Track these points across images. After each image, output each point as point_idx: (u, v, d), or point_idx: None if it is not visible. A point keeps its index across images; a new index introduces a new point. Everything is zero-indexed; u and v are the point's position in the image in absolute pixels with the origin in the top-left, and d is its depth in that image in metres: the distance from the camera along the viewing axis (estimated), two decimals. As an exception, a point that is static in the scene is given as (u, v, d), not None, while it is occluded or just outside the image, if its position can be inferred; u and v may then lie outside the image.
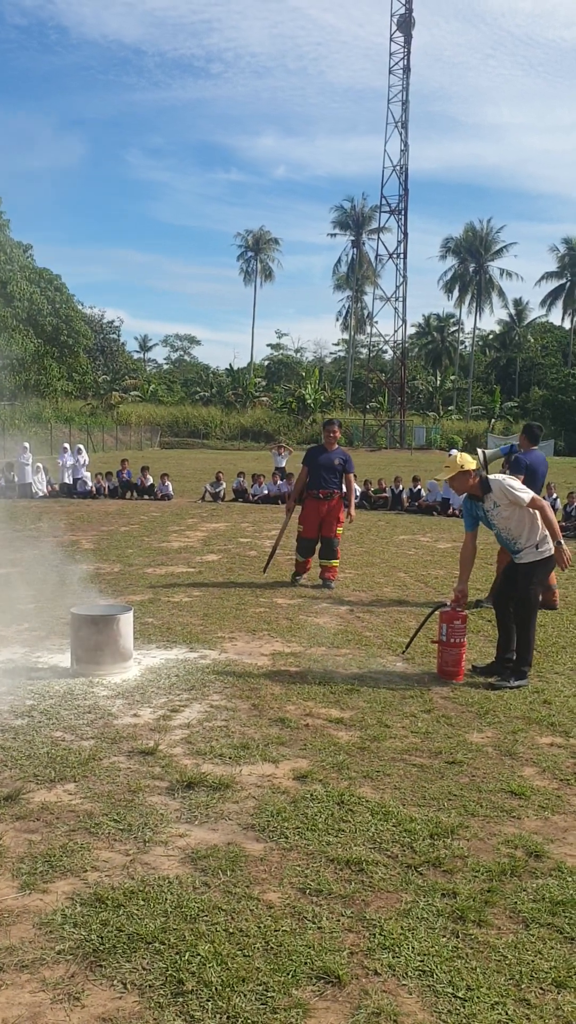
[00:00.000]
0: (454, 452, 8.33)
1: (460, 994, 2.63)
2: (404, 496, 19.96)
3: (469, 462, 6.12)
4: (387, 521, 17.25)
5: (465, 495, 6.21)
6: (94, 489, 21.61)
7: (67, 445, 23.95)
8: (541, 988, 2.68)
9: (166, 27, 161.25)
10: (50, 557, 11.27)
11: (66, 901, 3.09)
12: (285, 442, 38.12)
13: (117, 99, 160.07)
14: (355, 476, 10.24)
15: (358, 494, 20.54)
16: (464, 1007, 2.57)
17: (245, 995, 2.58)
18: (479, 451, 8.12)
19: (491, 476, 6.09)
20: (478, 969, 2.76)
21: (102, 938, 2.86)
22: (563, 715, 5.37)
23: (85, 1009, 2.53)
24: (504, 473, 7.71)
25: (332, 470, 9.71)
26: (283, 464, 23.43)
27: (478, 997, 2.61)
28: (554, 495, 17.77)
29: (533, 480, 8.25)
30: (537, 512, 5.98)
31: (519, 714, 5.37)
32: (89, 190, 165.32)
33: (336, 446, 9.94)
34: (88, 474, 21.94)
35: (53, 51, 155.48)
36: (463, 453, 6.23)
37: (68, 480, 21.93)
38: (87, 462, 22.57)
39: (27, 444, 22.54)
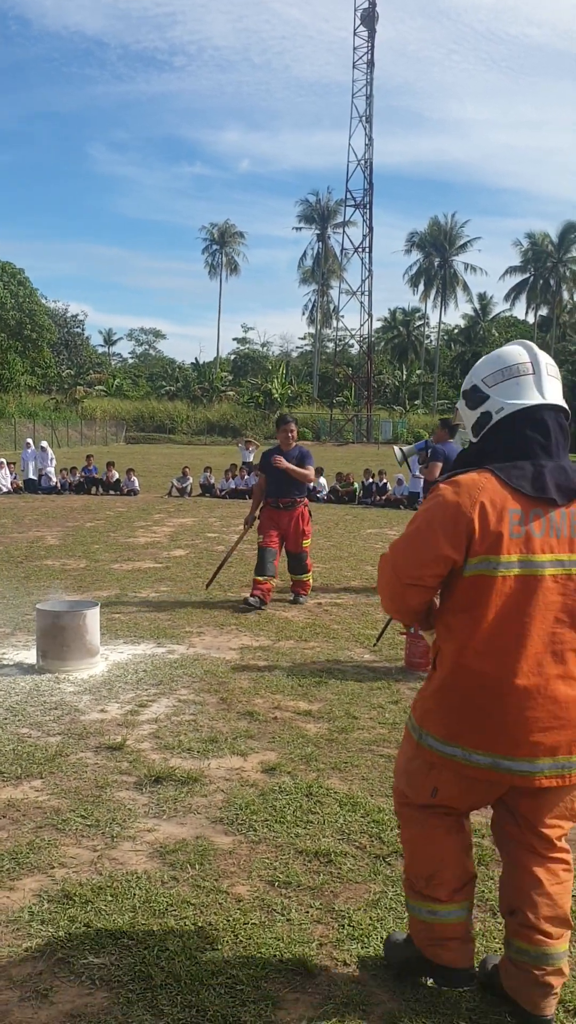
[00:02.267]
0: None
1: (429, 982, 2.64)
2: (373, 489, 20.03)
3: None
4: (354, 515, 17.29)
5: None
6: (59, 485, 21.41)
7: (31, 441, 23.70)
8: (508, 974, 2.70)
9: (129, 19, 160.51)
10: (15, 553, 11.16)
11: (33, 898, 3.06)
12: (252, 437, 38.05)
13: (80, 92, 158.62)
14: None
15: (324, 488, 20.61)
16: (433, 995, 2.59)
17: (214, 988, 2.58)
18: (395, 448, 8.63)
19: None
20: (446, 957, 2.77)
21: (70, 935, 2.84)
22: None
23: (54, 1006, 2.51)
24: (423, 466, 8.48)
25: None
26: (250, 459, 23.41)
27: (446, 985, 2.63)
28: None
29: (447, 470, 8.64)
30: None
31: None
32: (53, 184, 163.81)
33: (293, 444, 8.61)
34: (52, 469, 21.67)
35: (14, 42, 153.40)
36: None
37: (32, 476, 21.71)
38: (53, 459, 22.34)
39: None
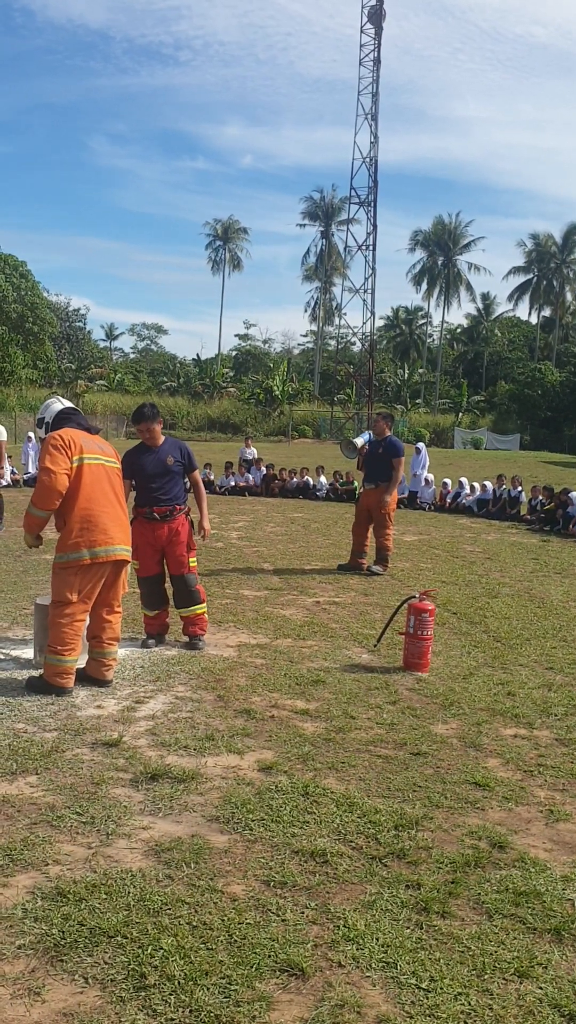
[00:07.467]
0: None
1: (424, 985, 2.63)
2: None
3: None
4: (353, 513, 17.23)
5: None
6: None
7: (32, 434, 23.63)
8: (504, 978, 2.70)
9: (134, 12, 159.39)
10: (13, 547, 11.14)
11: (27, 895, 3.05)
12: (250, 433, 37.80)
13: (80, 84, 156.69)
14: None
15: (324, 486, 20.57)
16: (427, 998, 2.57)
17: (208, 988, 2.56)
18: (351, 441, 11.21)
19: None
20: (441, 960, 2.76)
21: (63, 932, 2.82)
22: (527, 707, 5.41)
23: (46, 1004, 2.50)
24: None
25: (165, 475, 6.54)
26: (249, 457, 23.21)
27: (441, 988, 2.62)
28: (519, 488, 17.95)
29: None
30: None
31: (483, 706, 5.40)
32: (54, 176, 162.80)
33: (162, 439, 6.65)
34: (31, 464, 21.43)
35: (18, 34, 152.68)
36: None
37: (31, 470, 21.62)
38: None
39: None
